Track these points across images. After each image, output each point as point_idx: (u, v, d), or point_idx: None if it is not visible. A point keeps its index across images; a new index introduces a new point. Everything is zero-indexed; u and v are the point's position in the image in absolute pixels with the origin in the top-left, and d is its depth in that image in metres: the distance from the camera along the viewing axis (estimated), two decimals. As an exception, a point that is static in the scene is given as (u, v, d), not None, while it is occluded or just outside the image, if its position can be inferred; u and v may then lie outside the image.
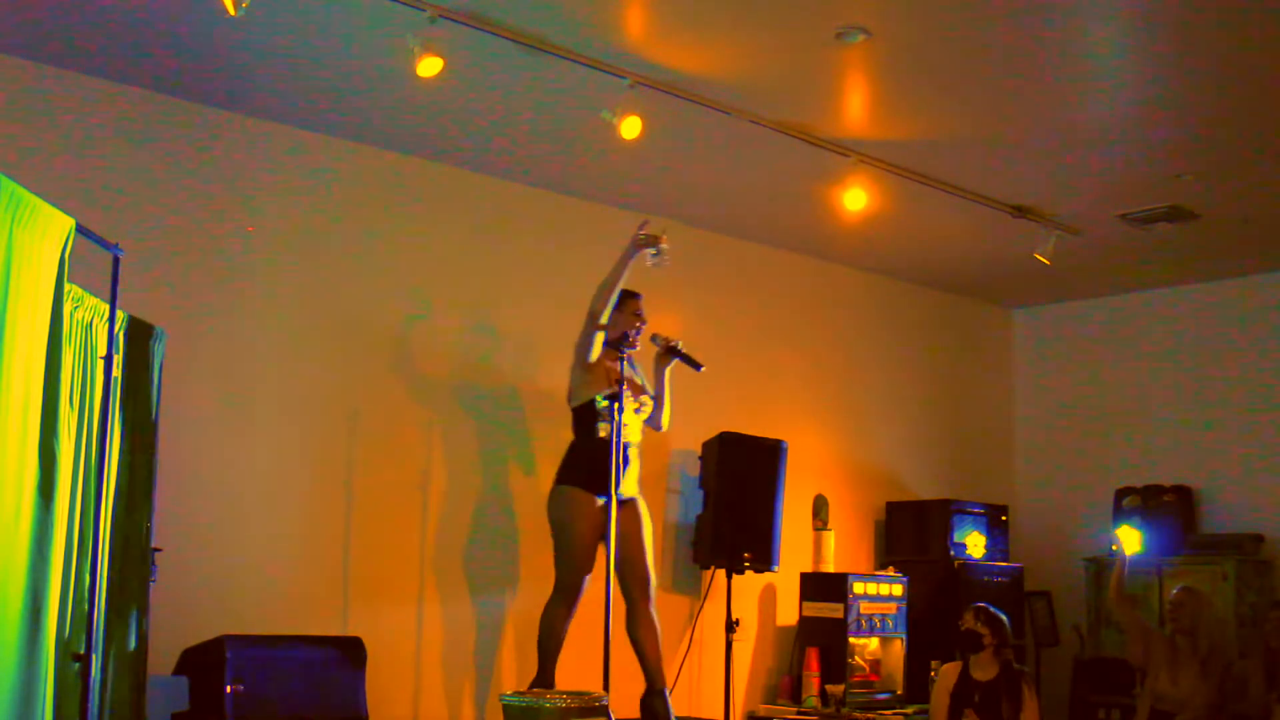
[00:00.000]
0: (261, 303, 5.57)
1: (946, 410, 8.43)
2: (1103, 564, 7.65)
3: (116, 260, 3.77)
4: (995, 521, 7.89)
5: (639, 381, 5.55)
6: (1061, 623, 7.77)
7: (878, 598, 6.97)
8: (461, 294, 6.19)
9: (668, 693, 5.41)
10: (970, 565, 7.47)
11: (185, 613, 4.94)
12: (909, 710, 6.78)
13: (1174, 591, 6.42)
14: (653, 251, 5.23)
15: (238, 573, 5.31)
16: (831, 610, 6.83)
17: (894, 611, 7.04)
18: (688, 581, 6.77)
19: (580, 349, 5.36)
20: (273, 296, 5.61)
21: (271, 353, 5.58)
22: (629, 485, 5.37)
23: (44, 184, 3.34)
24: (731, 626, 6.28)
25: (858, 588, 6.88)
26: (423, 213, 6.13)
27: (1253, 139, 5.74)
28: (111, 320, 3.79)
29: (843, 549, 7.49)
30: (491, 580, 6.09)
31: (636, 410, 5.45)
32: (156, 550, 4.52)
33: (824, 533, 7.31)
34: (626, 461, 5.32)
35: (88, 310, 3.86)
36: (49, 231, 3.26)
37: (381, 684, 5.41)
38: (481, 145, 5.98)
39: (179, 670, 4.83)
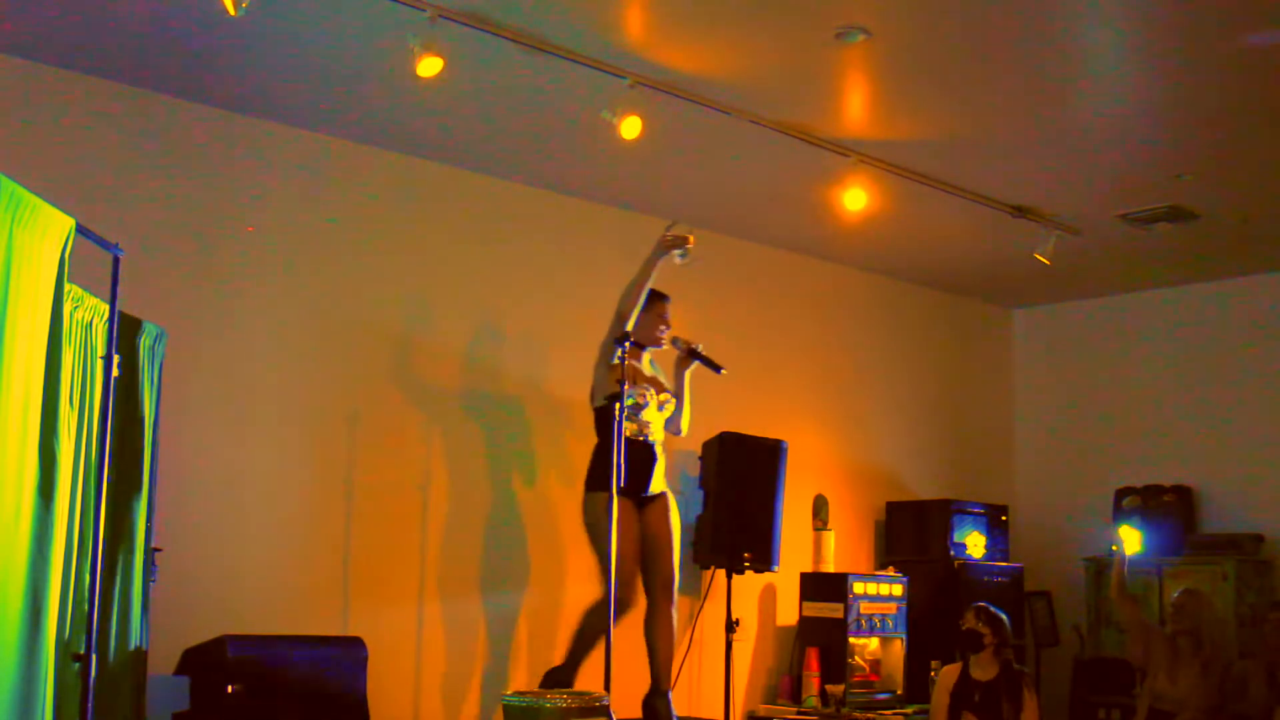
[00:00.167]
0: (261, 303, 5.57)
1: (946, 410, 8.43)
2: (1103, 564, 7.64)
3: (116, 260, 3.77)
4: (995, 521, 7.89)
5: (662, 380, 5.55)
6: (1061, 623, 7.77)
7: (878, 598, 6.97)
8: (461, 293, 6.19)
9: (670, 694, 5.41)
10: (970, 565, 7.47)
11: (185, 613, 4.94)
12: (909, 710, 6.78)
13: (1175, 594, 6.42)
14: (680, 252, 5.24)
15: (238, 573, 5.31)
16: (831, 610, 6.83)
17: (894, 611, 7.04)
18: (688, 581, 6.74)
19: (605, 349, 5.35)
20: (273, 296, 5.61)
21: (271, 352, 5.58)
22: (658, 482, 5.43)
23: (44, 184, 3.34)
24: (731, 626, 6.28)
25: (858, 588, 6.88)
26: (422, 213, 6.13)
27: (1253, 139, 5.74)
28: (112, 320, 3.79)
29: (843, 549, 7.49)
30: (492, 580, 6.09)
31: (659, 408, 5.45)
32: (156, 550, 4.52)
33: (824, 533, 7.31)
34: (654, 459, 5.36)
35: (88, 310, 3.86)
36: (49, 231, 3.26)
37: (381, 684, 5.41)
38: (481, 145, 5.98)
39: (179, 670, 4.83)
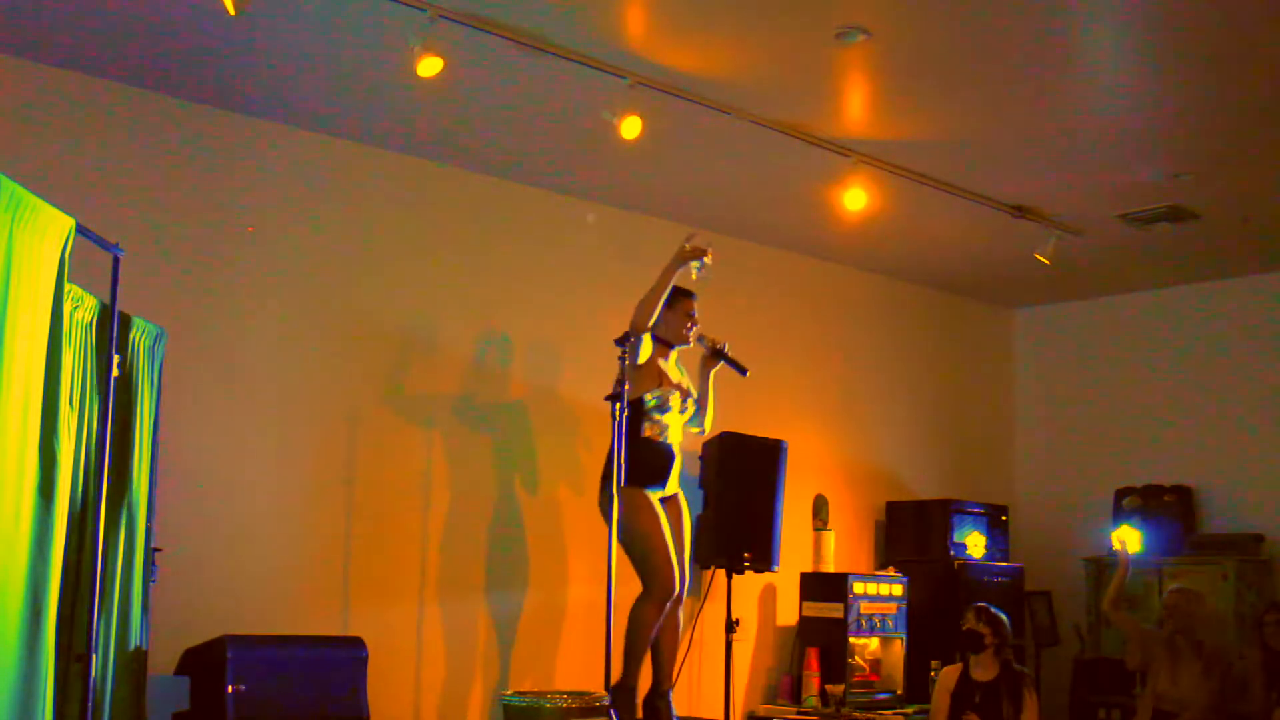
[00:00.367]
0: (261, 303, 5.57)
1: (946, 410, 8.43)
2: (1103, 564, 7.65)
3: (116, 260, 3.78)
4: (995, 521, 7.89)
5: (687, 382, 5.53)
6: (1061, 623, 7.77)
7: (878, 598, 6.97)
8: (460, 293, 6.19)
9: (670, 694, 5.41)
10: (970, 565, 7.47)
11: (185, 613, 4.94)
12: (909, 710, 6.78)
13: (1168, 593, 6.44)
14: (697, 265, 5.23)
15: (238, 573, 5.31)
16: (831, 610, 6.83)
17: (894, 611, 7.04)
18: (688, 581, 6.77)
19: (628, 360, 5.32)
20: (273, 296, 5.61)
21: (271, 352, 5.58)
22: (673, 483, 5.42)
23: (44, 184, 3.34)
24: (731, 626, 6.28)
25: (858, 588, 6.88)
26: (422, 212, 6.13)
27: (1253, 139, 5.74)
28: (112, 320, 3.79)
29: (843, 549, 7.49)
30: (493, 580, 6.09)
31: (681, 411, 5.45)
32: (156, 550, 4.52)
33: (824, 533, 7.31)
34: (672, 460, 5.37)
35: (88, 310, 3.86)
36: (49, 231, 3.26)
37: (381, 684, 5.41)
38: (481, 145, 5.98)
39: (180, 670, 4.83)
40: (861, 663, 6.94)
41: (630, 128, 5.10)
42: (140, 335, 4.31)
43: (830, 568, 7.19)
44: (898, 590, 7.09)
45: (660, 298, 5.19)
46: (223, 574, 5.26)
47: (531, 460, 6.32)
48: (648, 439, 5.26)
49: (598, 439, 5.80)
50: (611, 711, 4.86)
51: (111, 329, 3.79)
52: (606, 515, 5.20)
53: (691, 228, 6.92)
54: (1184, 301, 8.15)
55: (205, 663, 4.75)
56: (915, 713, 6.69)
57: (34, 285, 3.19)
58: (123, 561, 4.21)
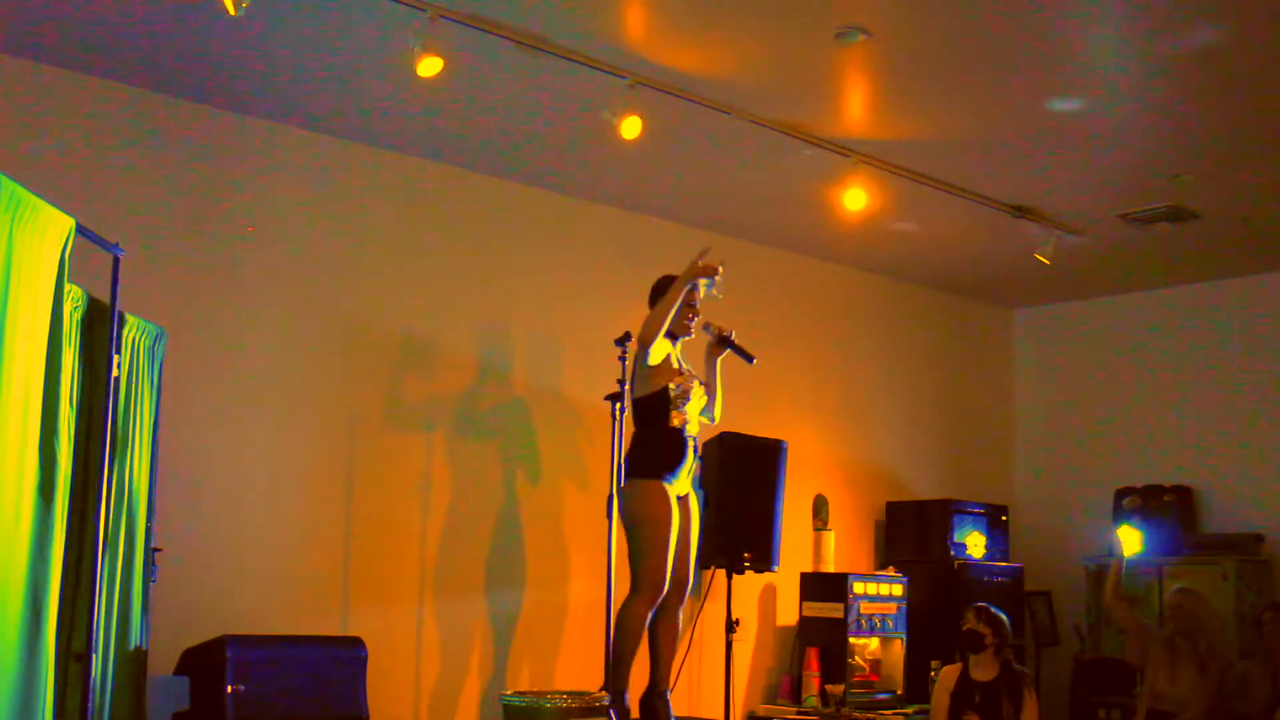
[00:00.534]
0: (262, 303, 5.57)
1: (946, 410, 8.43)
2: (1103, 564, 7.65)
3: (116, 260, 3.78)
4: (995, 521, 7.89)
5: (691, 371, 5.44)
6: (1061, 623, 7.77)
7: (878, 598, 6.97)
8: (460, 292, 6.19)
9: (669, 694, 5.40)
10: (970, 565, 7.46)
11: (185, 613, 4.94)
12: (909, 710, 6.78)
13: (1170, 594, 6.44)
14: (708, 282, 5.20)
15: (238, 573, 5.31)
16: (832, 610, 6.83)
17: (894, 611, 7.04)
18: (688, 581, 6.77)
19: (639, 360, 5.29)
20: (273, 296, 5.61)
21: (272, 352, 5.58)
22: (688, 479, 5.35)
23: (44, 184, 3.34)
24: (731, 626, 6.28)
25: (858, 588, 6.88)
26: (422, 212, 6.13)
27: (1253, 139, 5.74)
28: (112, 320, 3.79)
29: (843, 549, 7.49)
30: (492, 579, 6.09)
31: (699, 399, 5.38)
32: (156, 550, 4.52)
33: (824, 533, 7.30)
34: (688, 453, 5.28)
35: (83, 308, 3.86)
36: (49, 231, 3.26)
37: (381, 684, 5.41)
38: (481, 145, 5.98)
39: (179, 670, 4.83)
40: (861, 663, 6.94)
41: (630, 128, 5.10)
42: (140, 335, 4.31)
43: (830, 568, 7.19)
44: (898, 590, 7.09)
45: (669, 313, 5.11)
46: (223, 574, 5.26)
47: (531, 460, 6.31)
48: (676, 428, 5.21)
49: (599, 438, 5.81)
50: (611, 711, 4.86)
51: (111, 329, 3.79)
52: (623, 510, 5.19)
53: (691, 228, 6.98)
54: (1184, 301, 8.15)
55: (205, 663, 4.75)
56: (915, 713, 6.69)
57: (34, 285, 3.19)
58: (123, 561, 4.21)
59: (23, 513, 3.17)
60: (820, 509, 7.41)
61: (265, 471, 5.50)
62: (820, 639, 6.84)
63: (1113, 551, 6.61)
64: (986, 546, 7.71)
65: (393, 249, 6.00)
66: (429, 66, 4.61)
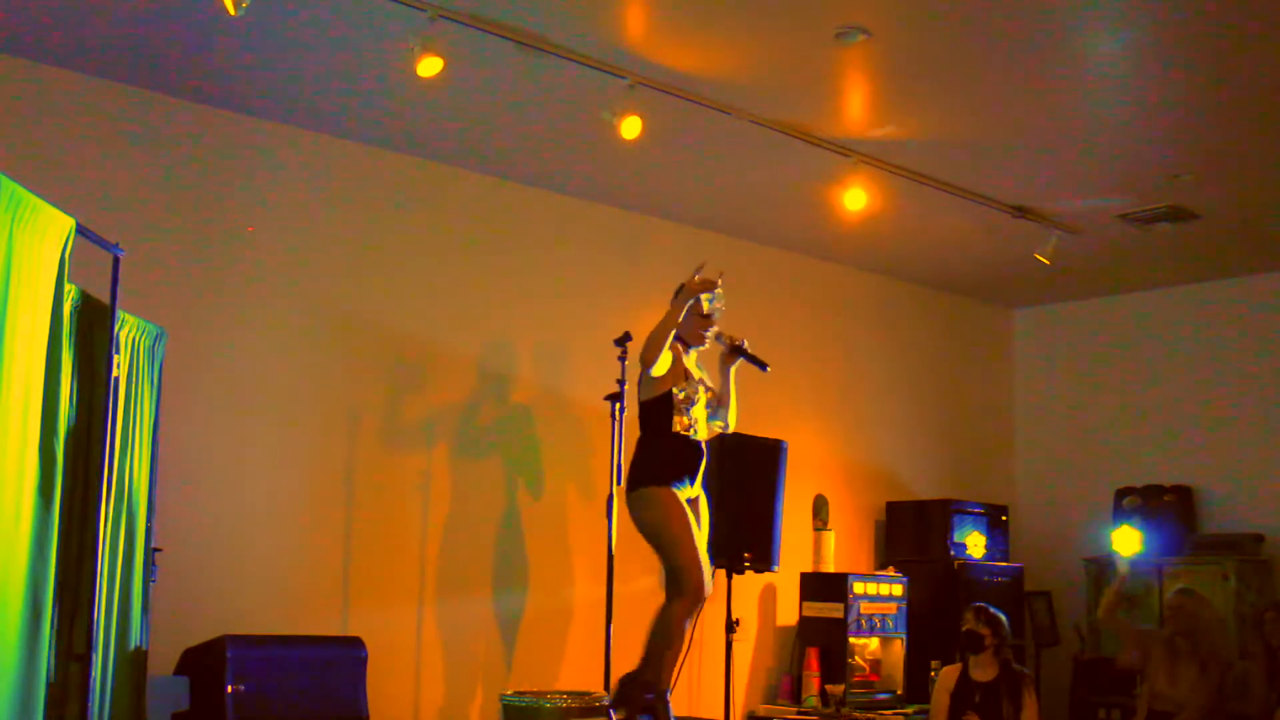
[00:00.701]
0: (262, 303, 5.57)
1: (947, 410, 8.43)
2: (1103, 564, 7.65)
3: (116, 260, 3.78)
4: (995, 521, 7.89)
5: (706, 380, 5.38)
6: (1061, 623, 7.77)
7: (878, 598, 6.97)
8: (460, 292, 6.19)
9: (669, 694, 5.38)
10: (970, 565, 7.46)
11: (185, 613, 4.94)
12: (909, 710, 6.78)
13: (1171, 595, 6.44)
14: (708, 297, 5.18)
15: (238, 573, 5.31)
16: (831, 610, 6.83)
17: (894, 611, 7.04)
18: (688, 581, 6.77)
19: (646, 370, 5.27)
20: (273, 296, 5.61)
21: (272, 352, 5.58)
22: (698, 484, 5.27)
23: (44, 184, 3.34)
24: (731, 626, 6.28)
25: (858, 588, 6.88)
26: (422, 212, 6.13)
27: (1253, 139, 5.74)
28: (112, 320, 3.79)
29: (843, 549, 7.49)
30: (493, 579, 6.09)
31: (706, 406, 5.31)
32: (156, 550, 4.52)
33: (824, 533, 7.30)
34: (700, 457, 5.22)
35: (85, 306, 3.86)
36: (49, 231, 3.26)
37: (381, 684, 5.41)
38: (481, 145, 5.98)
39: (179, 670, 4.83)
40: (861, 663, 6.94)
41: (630, 128, 5.10)
42: (140, 335, 4.31)
43: (830, 568, 7.19)
44: (898, 590, 7.09)
45: (669, 333, 5.06)
46: (223, 574, 5.26)
47: (531, 459, 6.31)
48: (678, 434, 5.16)
49: (599, 438, 5.81)
50: (610, 711, 4.86)
51: (111, 329, 3.79)
52: (633, 514, 5.17)
53: (691, 228, 6.98)
54: (1184, 301, 8.15)
55: (205, 663, 4.75)
56: (915, 713, 6.69)
57: (34, 285, 3.19)
58: (123, 561, 4.21)
59: (23, 513, 3.17)
60: (820, 509, 7.41)
61: (265, 471, 5.50)
62: (820, 639, 6.84)
63: (1113, 562, 6.59)
64: (986, 546, 7.71)
65: (393, 249, 6.00)
66: (429, 66, 4.61)
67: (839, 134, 5.71)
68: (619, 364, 5.35)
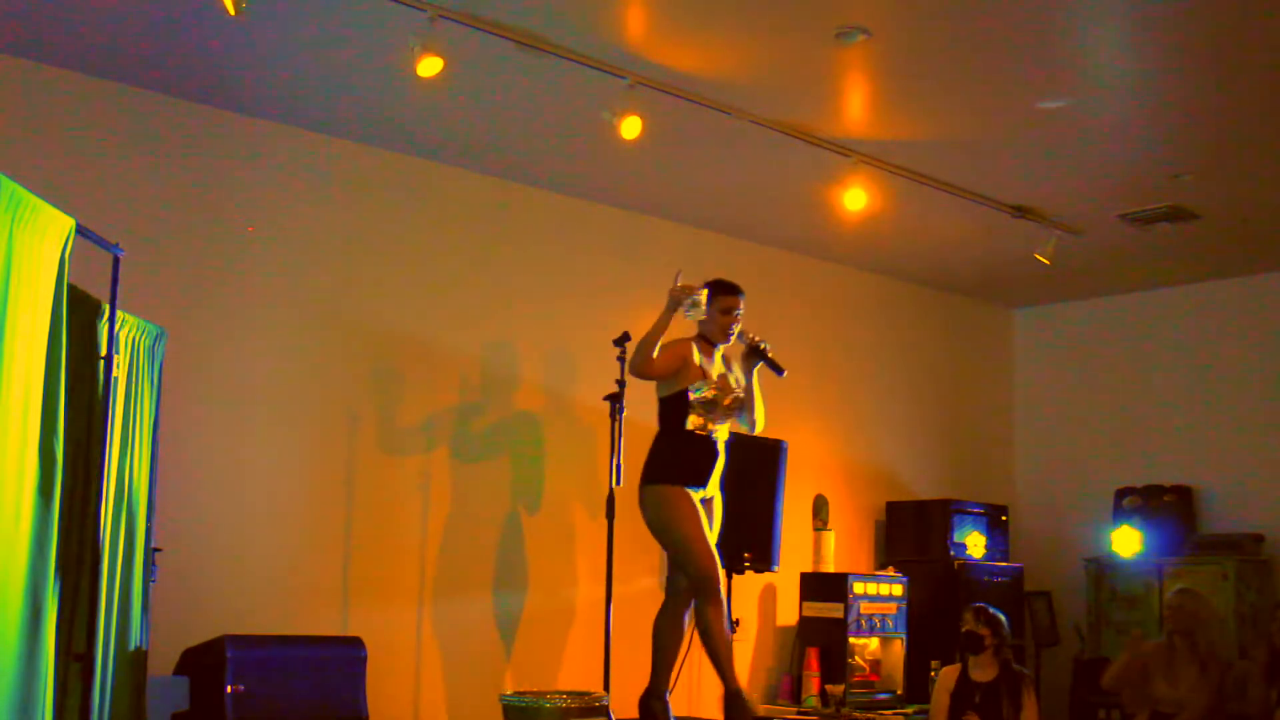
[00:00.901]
0: (262, 303, 5.57)
1: (946, 410, 8.43)
2: (1102, 564, 7.66)
3: (116, 260, 3.78)
4: (995, 521, 7.89)
5: (730, 381, 5.35)
6: (1061, 623, 7.77)
7: (878, 598, 6.97)
8: (460, 292, 6.19)
9: (668, 696, 5.36)
10: (970, 565, 7.47)
11: (185, 613, 4.94)
12: (909, 710, 6.78)
13: (1171, 594, 6.43)
14: (691, 300, 5.18)
15: (238, 573, 5.31)
16: (831, 610, 6.83)
17: (894, 611, 7.04)
18: (688, 581, 6.77)
19: (636, 377, 5.26)
20: (273, 296, 5.61)
21: (272, 352, 5.58)
22: (714, 484, 5.25)
23: (44, 184, 3.34)
24: (731, 626, 6.27)
25: (858, 588, 6.88)
26: (421, 212, 6.13)
27: (1253, 139, 5.74)
28: (112, 320, 3.79)
29: (843, 549, 7.49)
30: (493, 579, 6.09)
31: (726, 406, 5.27)
32: (156, 550, 4.52)
33: (824, 533, 7.30)
34: (715, 456, 5.20)
35: (88, 310, 3.86)
36: (49, 231, 3.26)
37: (381, 684, 5.41)
38: (482, 145, 5.98)
39: (179, 670, 4.83)
40: (861, 663, 6.94)
41: (630, 128, 5.10)
42: (140, 335, 4.31)
43: (830, 568, 7.19)
44: (898, 590, 7.09)
45: (654, 343, 5.05)
46: (223, 574, 5.26)
47: (531, 459, 6.31)
48: (691, 432, 5.15)
49: (598, 438, 5.80)
50: (609, 712, 4.86)
51: (111, 329, 3.79)
52: (643, 512, 5.16)
53: (692, 228, 6.98)
54: (1184, 301, 8.15)
55: (205, 663, 4.75)
56: (915, 713, 6.69)
57: (34, 285, 3.19)
58: (123, 561, 4.21)
59: (23, 513, 3.17)
60: (820, 509, 7.41)
61: (265, 471, 5.50)
62: (820, 639, 6.84)
63: (1114, 558, 6.53)
64: (986, 546, 7.71)
65: (392, 249, 6.00)
66: (429, 66, 4.61)
67: (839, 134, 5.71)
68: (618, 364, 5.34)
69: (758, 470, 6.53)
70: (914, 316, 8.33)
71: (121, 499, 4.19)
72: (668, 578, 5.40)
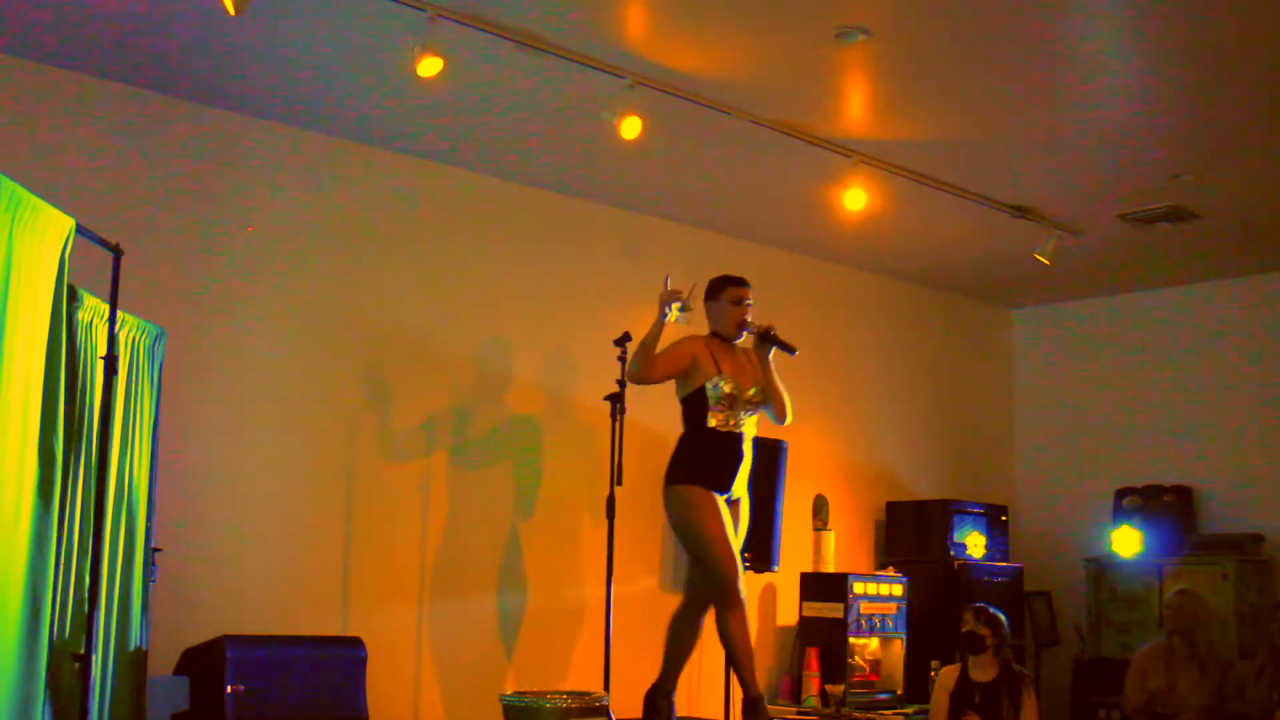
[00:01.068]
0: (262, 303, 5.57)
1: (946, 410, 8.43)
2: (1102, 564, 7.66)
3: (117, 260, 3.78)
4: (995, 521, 7.89)
5: (750, 373, 5.25)
6: (1061, 623, 7.77)
7: (878, 598, 6.97)
8: (460, 292, 6.19)
9: (674, 695, 5.33)
10: (970, 565, 7.46)
11: (185, 613, 4.94)
12: (909, 710, 6.78)
13: (1170, 595, 6.43)
14: (680, 305, 5.15)
15: (238, 573, 5.31)
16: (831, 610, 6.83)
17: (894, 611, 7.04)
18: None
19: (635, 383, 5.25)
20: (273, 296, 5.61)
21: (272, 352, 5.58)
22: (740, 484, 5.18)
23: (44, 184, 3.34)
24: (732, 627, 6.27)
25: (858, 588, 6.88)
26: (421, 212, 6.13)
27: (1253, 139, 5.74)
28: (111, 320, 3.80)
29: (843, 549, 7.49)
30: (493, 579, 6.09)
31: (748, 400, 5.19)
32: (156, 550, 4.53)
33: (824, 533, 7.30)
34: (739, 455, 5.13)
35: (88, 310, 3.86)
36: (49, 231, 3.26)
37: (381, 684, 5.41)
38: (482, 145, 5.98)
39: (179, 670, 4.83)
40: (861, 663, 6.94)
41: (630, 128, 5.10)
42: (140, 335, 4.32)
43: (830, 568, 7.19)
44: (898, 590, 7.09)
45: (650, 348, 5.02)
46: (223, 574, 5.26)
47: (532, 459, 6.31)
48: (714, 430, 5.07)
49: (598, 438, 5.80)
50: (609, 712, 4.86)
51: (111, 329, 3.79)
52: (666, 511, 5.13)
53: (692, 228, 6.99)
54: (1184, 301, 8.15)
55: (205, 663, 4.75)
56: (915, 713, 6.69)
57: (34, 285, 3.19)
58: (123, 561, 4.21)
59: (22, 513, 3.17)
60: (820, 509, 7.41)
61: (265, 471, 5.50)
62: (820, 639, 6.84)
63: (1114, 558, 6.55)
64: (986, 546, 7.71)
65: (392, 249, 6.00)
66: (429, 66, 4.61)
67: (839, 134, 5.71)
68: (619, 364, 5.34)
69: (758, 470, 6.50)
70: (914, 316, 8.33)
71: (121, 499, 4.19)
72: (687, 580, 5.34)
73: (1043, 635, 7.66)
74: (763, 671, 7.13)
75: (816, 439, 7.55)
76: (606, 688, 5.24)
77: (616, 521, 5.38)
